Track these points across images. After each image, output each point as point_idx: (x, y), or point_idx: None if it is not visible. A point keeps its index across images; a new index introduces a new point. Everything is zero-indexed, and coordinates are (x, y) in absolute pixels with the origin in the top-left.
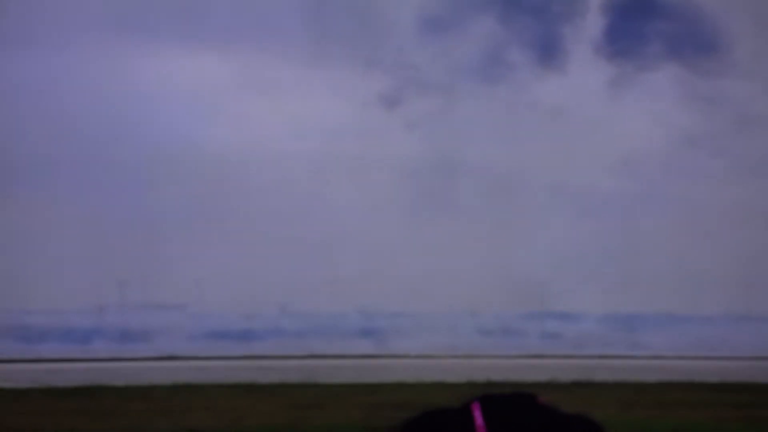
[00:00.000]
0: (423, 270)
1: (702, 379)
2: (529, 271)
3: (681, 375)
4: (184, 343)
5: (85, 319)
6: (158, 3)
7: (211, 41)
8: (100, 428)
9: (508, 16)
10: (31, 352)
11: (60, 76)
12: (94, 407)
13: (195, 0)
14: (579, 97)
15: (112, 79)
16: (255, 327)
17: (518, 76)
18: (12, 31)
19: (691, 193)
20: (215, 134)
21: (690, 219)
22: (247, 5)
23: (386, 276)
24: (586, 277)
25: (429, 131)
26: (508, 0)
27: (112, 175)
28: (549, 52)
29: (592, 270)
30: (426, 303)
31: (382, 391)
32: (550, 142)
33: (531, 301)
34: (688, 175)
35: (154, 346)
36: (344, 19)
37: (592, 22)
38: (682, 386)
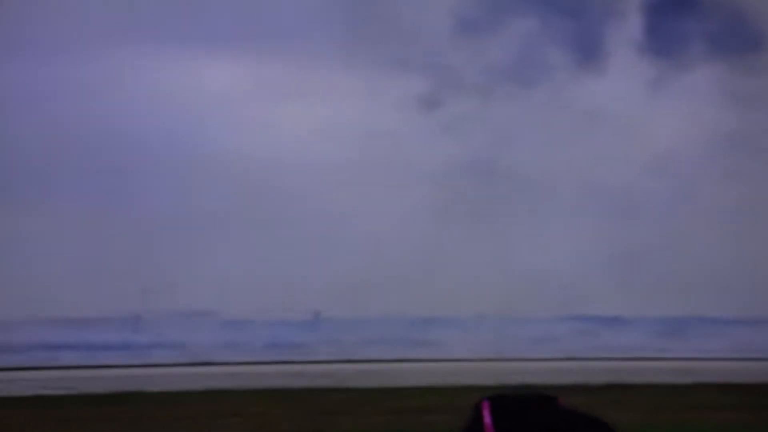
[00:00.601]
0: (456, 274)
1: (735, 381)
2: (563, 274)
3: (713, 377)
4: (215, 349)
5: (115, 327)
6: (187, 10)
7: (242, 47)
8: None
9: (546, 17)
10: (62, 359)
11: (88, 82)
12: (125, 414)
13: (227, 6)
14: (617, 97)
15: (141, 85)
16: (284, 333)
17: (556, 76)
18: (21, 36)
19: (730, 193)
20: (244, 140)
21: (728, 220)
22: (279, 9)
23: (419, 280)
24: (622, 280)
25: (465, 133)
26: (545, 0)
27: (139, 183)
28: (587, 52)
29: (627, 272)
30: (460, 307)
31: (411, 395)
32: (587, 143)
33: (566, 303)
34: (727, 176)
35: (184, 353)
36: (379, 21)
37: (631, 21)
38: (715, 388)
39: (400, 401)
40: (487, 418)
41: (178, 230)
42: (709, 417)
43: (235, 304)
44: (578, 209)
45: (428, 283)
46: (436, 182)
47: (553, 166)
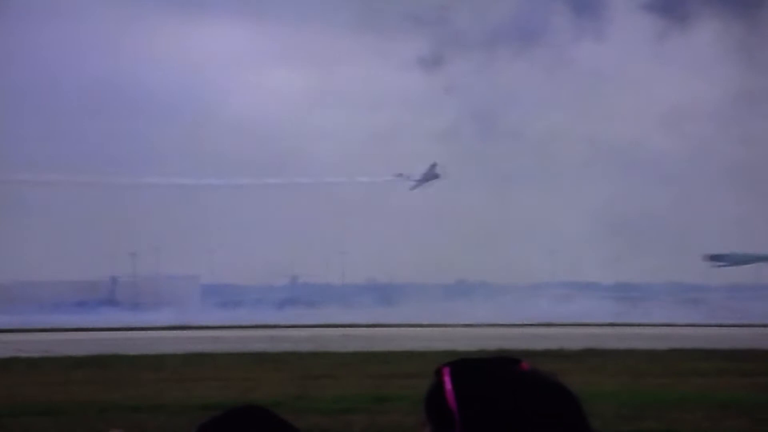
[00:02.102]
0: (440, 239)
1: (712, 347)
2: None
3: (691, 342)
4: (196, 313)
5: (98, 290)
6: None
7: (251, 12)
8: (113, 398)
9: None
10: (44, 322)
11: (86, 43)
12: (106, 377)
13: None
14: (622, 53)
15: (155, 49)
16: (267, 297)
17: (560, 35)
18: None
19: (738, 151)
20: (245, 104)
21: (735, 176)
22: None
23: (400, 246)
24: (624, 241)
25: (468, 92)
26: None
27: (125, 149)
28: (591, 10)
29: (630, 233)
30: (444, 271)
31: (393, 360)
32: (592, 101)
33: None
34: (737, 133)
35: (165, 316)
36: None
37: None
38: (693, 354)
39: (382, 366)
40: (448, 384)
41: (159, 197)
42: (690, 383)
43: (218, 269)
44: (583, 165)
45: (412, 248)
46: (438, 142)
47: (557, 124)
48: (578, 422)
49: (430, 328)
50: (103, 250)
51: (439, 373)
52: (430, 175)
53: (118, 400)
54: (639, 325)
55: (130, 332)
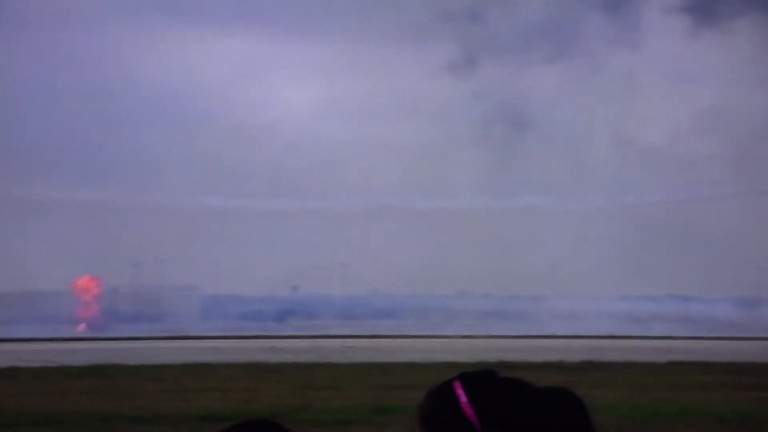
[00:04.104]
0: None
1: (713, 359)
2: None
3: (692, 355)
4: (196, 323)
5: (100, 300)
6: None
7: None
8: (114, 408)
9: None
10: (46, 331)
11: (91, 55)
12: (107, 387)
13: None
14: (653, 52)
15: (174, 61)
16: (268, 308)
17: (591, 36)
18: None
19: None
20: (256, 115)
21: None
22: None
23: (394, 260)
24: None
25: (498, 95)
26: None
27: (125, 157)
28: (622, 12)
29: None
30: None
31: (394, 371)
32: (625, 104)
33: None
34: None
35: (166, 326)
36: None
37: None
38: (694, 367)
39: (383, 377)
40: (462, 397)
41: (161, 206)
42: (691, 395)
43: (219, 279)
44: (611, 166)
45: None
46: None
47: (589, 125)
48: (588, 427)
49: (431, 340)
50: (105, 261)
51: (448, 387)
52: None
53: (119, 410)
54: (639, 337)
55: (131, 342)
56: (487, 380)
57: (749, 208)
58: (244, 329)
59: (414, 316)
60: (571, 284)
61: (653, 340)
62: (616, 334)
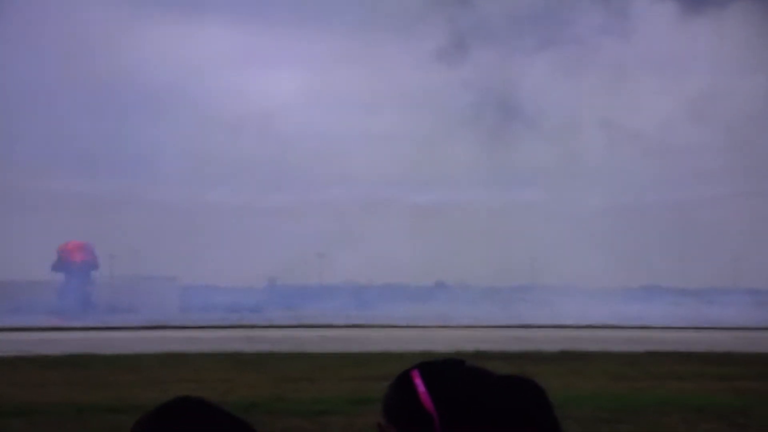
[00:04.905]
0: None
1: (689, 350)
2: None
3: (669, 346)
4: (174, 314)
5: (76, 290)
6: None
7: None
8: (89, 399)
9: None
10: (20, 321)
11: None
12: (83, 377)
13: None
14: (643, 39)
15: (179, 51)
16: (244, 298)
17: (580, 23)
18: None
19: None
20: (245, 105)
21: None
22: None
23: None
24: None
25: (488, 82)
26: None
27: (115, 149)
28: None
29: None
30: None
31: (371, 361)
32: (617, 91)
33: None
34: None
35: (143, 317)
36: None
37: None
38: (670, 357)
39: (359, 367)
40: (420, 387)
41: (142, 198)
42: (667, 385)
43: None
44: (601, 154)
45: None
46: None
47: (578, 112)
48: (549, 416)
49: (408, 330)
50: None
51: (407, 377)
52: None
53: (95, 400)
54: (616, 327)
55: (106, 332)
56: (447, 369)
57: (738, 201)
58: (223, 320)
59: (392, 306)
60: (550, 275)
61: (630, 330)
62: (593, 324)
